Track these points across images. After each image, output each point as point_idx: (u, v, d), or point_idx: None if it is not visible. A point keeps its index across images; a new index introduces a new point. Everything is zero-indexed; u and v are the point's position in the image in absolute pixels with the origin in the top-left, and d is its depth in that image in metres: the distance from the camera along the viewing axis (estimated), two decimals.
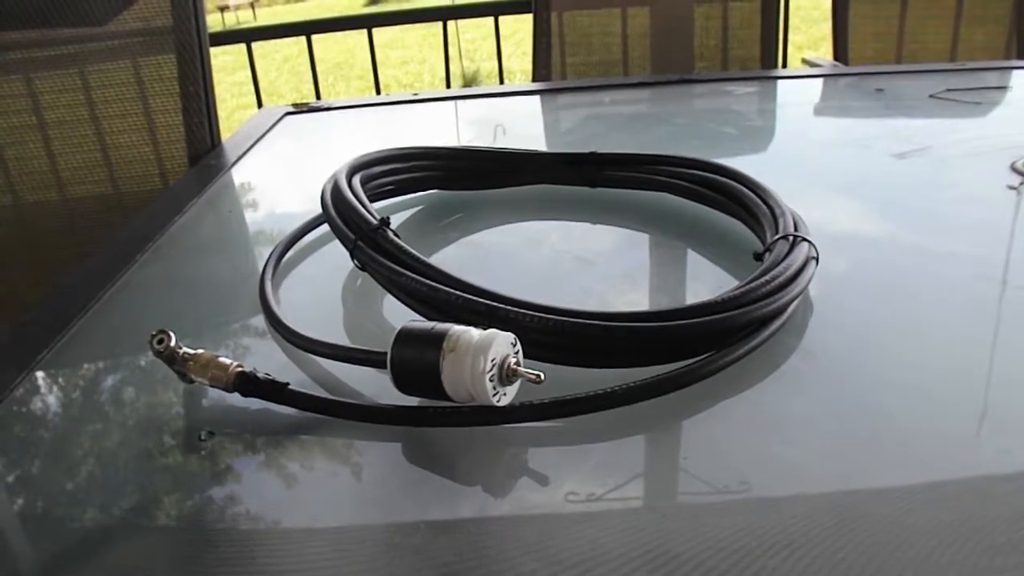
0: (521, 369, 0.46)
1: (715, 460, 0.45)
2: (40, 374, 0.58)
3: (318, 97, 2.03)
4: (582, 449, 0.47)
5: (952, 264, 0.66)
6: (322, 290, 0.67)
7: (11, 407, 0.55)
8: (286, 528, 0.43)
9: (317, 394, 0.50)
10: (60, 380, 0.59)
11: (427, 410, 0.48)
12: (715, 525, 0.40)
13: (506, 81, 3.11)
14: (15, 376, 0.57)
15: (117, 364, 0.60)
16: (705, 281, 0.66)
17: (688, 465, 0.45)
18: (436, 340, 0.46)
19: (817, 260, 0.60)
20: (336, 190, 0.67)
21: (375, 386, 0.51)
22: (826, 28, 2.19)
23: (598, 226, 0.78)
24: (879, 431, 0.46)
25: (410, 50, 6.35)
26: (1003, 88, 1.21)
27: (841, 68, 1.76)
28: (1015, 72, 1.29)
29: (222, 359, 0.50)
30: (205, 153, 1.21)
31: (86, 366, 0.60)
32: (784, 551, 0.38)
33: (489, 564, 0.39)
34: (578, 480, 0.44)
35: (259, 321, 0.61)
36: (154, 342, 0.50)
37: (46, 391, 0.58)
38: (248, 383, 0.49)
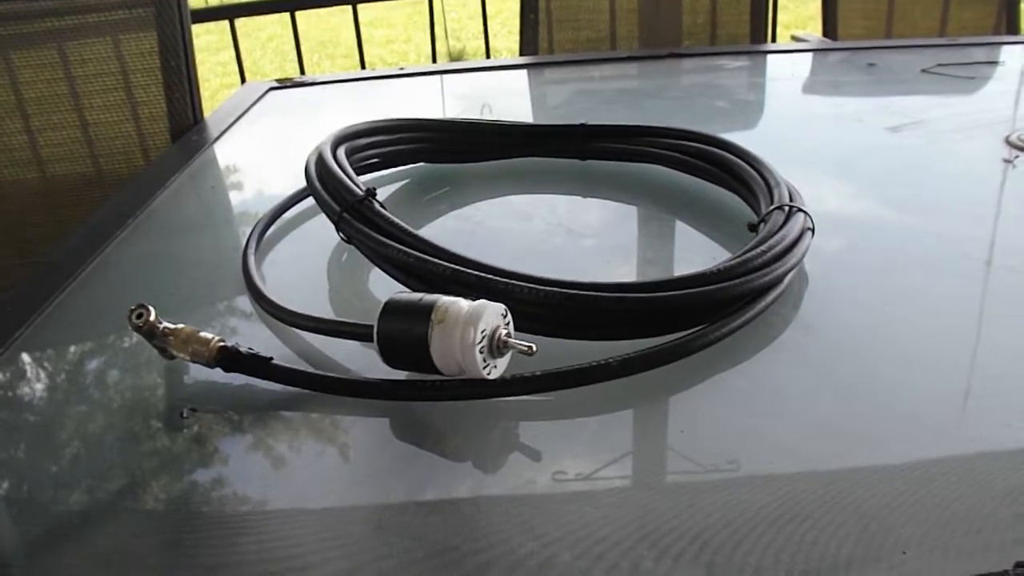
0: (512, 340, 0.44)
1: (710, 434, 0.44)
2: (18, 351, 0.57)
3: (302, 75, 2.01)
4: (575, 423, 0.46)
5: (948, 238, 0.65)
6: (307, 264, 0.66)
7: None
8: (272, 508, 0.42)
9: (301, 368, 0.49)
10: (38, 357, 0.57)
11: (415, 384, 0.46)
12: (710, 501, 0.39)
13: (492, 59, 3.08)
14: None
15: (96, 341, 0.59)
16: (699, 252, 0.65)
17: (684, 439, 0.44)
18: (424, 311, 0.45)
19: (813, 231, 0.58)
20: (321, 161, 0.65)
21: (362, 360, 0.50)
22: (814, 7, 2.17)
23: (589, 199, 0.77)
24: (876, 405, 0.45)
25: (395, 29, 6.29)
26: (994, 63, 1.20)
27: (831, 43, 1.75)
28: (1005, 47, 1.28)
29: (203, 334, 0.49)
30: (187, 129, 1.18)
31: (64, 343, 0.59)
32: (777, 529, 0.37)
33: (482, 542, 0.38)
34: (571, 456, 0.43)
35: (242, 297, 0.60)
36: (133, 316, 0.49)
37: (24, 368, 0.56)
38: (230, 358, 0.48)
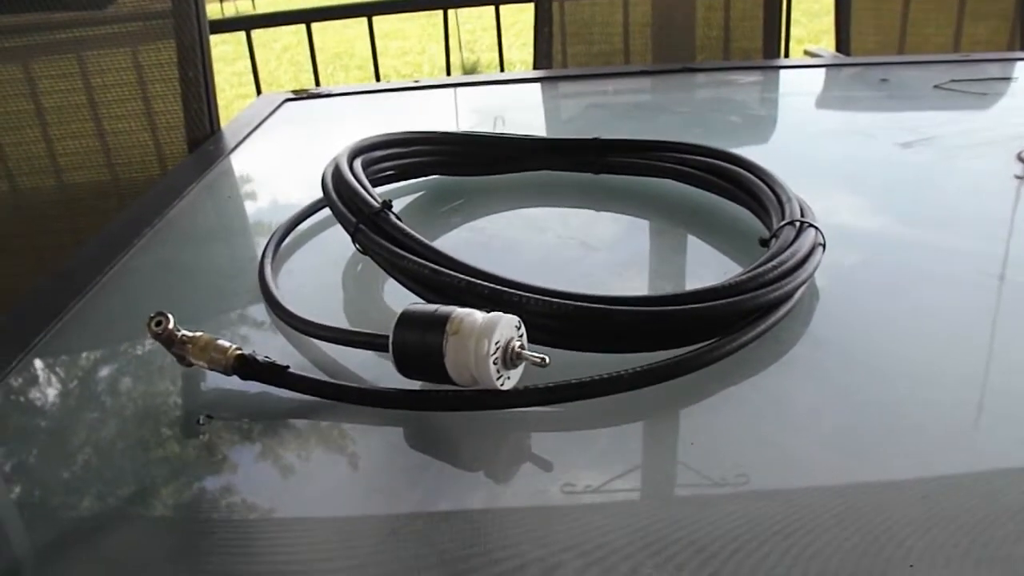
0: (525, 352, 0.45)
1: (720, 447, 0.44)
2: (35, 357, 0.58)
3: (318, 86, 2.02)
4: (586, 435, 0.46)
5: (960, 254, 0.65)
6: (323, 275, 0.66)
7: (6, 391, 0.54)
8: (286, 516, 0.42)
9: (317, 377, 0.49)
10: (55, 364, 0.58)
11: (429, 394, 0.47)
12: (718, 513, 0.39)
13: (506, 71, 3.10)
14: (11, 359, 0.56)
15: (114, 348, 0.60)
16: (710, 267, 0.65)
17: (694, 452, 0.44)
18: (439, 322, 0.45)
19: (824, 246, 0.59)
20: (337, 173, 0.66)
21: (377, 370, 0.51)
22: (827, 22, 2.18)
23: (602, 212, 0.77)
24: (885, 421, 0.45)
25: (410, 41, 6.32)
26: (1008, 79, 1.20)
27: (844, 59, 1.75)
28: (1019, 63, 1.28)
29: (221, 342, 0.50)
30: (204, 139, 1.20)
31: (82, 350, 0.59)
32: (784, 541, 0.37)
33: (493, 551, 0.38)
34: (582, 467, 0.43)
35: (258, 306, 0.61)
36: (152, 324, 0.50)
37: (42, 375, 0.57)
38: (247, 366, 0.49)
